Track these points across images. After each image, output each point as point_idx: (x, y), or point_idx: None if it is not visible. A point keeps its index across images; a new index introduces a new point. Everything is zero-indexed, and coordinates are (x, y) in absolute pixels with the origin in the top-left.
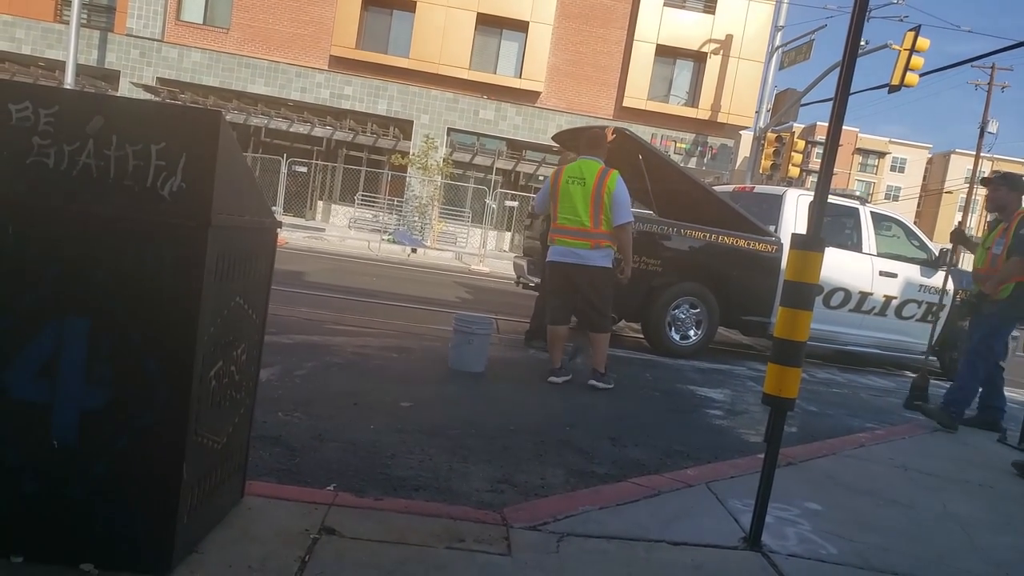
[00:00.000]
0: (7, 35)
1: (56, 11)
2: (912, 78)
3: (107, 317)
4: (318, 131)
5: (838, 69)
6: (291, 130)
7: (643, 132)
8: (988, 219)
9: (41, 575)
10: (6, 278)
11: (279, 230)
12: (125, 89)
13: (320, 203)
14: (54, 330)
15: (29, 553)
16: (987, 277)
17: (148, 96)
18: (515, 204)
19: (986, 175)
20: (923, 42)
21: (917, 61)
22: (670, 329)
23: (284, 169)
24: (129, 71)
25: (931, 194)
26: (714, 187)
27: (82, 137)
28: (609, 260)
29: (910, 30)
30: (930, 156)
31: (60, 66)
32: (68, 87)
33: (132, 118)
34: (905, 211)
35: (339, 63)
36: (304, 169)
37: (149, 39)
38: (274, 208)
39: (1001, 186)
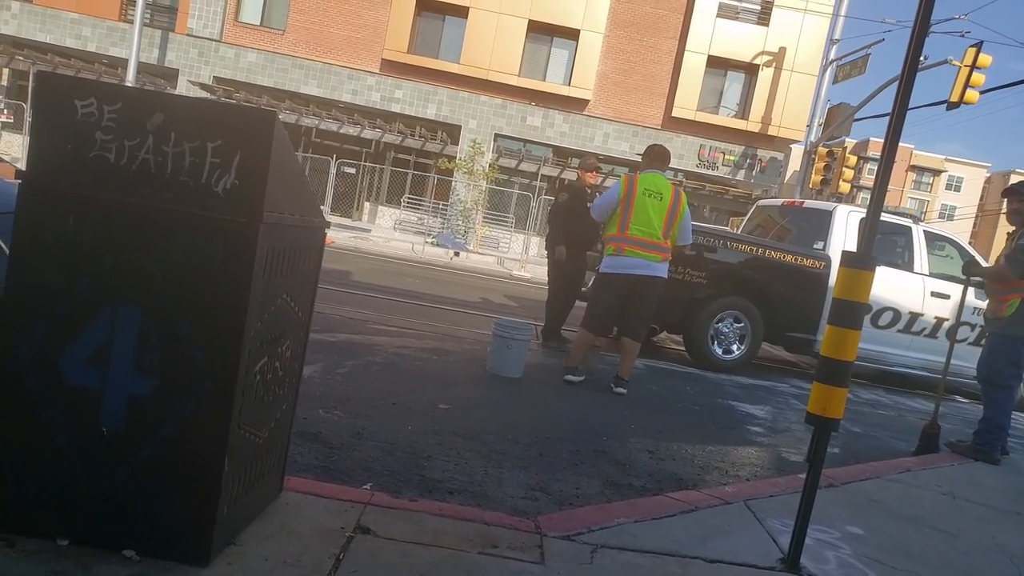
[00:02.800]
0: (74, 32)
1: (121, 11)
2: (972, 95)
3: (158, 307)
4: (367, 133)
5: (895, 84)
6: (341, 131)
7: (691, 143)
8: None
9: (85, 558)
10: (66, 266)
11: (326, 230)
12: (183, 87)
13: (367, 204)
14: (108, 318)
15: (74, 536)
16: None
17: (204, 94)
18: None
19: (1007, 186)
20: (985, 59)
21: (978, 78)
22: (713, 343)
23: (333, 170)
24: (187, 70)
25: (988, 214)
26: (762, 200)
27: (142, 133)
28: (666, 272)
29: (972, 46)
30: (988, 175)
31: (122, 64)
32: (129, 84)
33: (190, 116)
34: (960, 231)
35: (390, 67)
36: (352, 170)
37: (208, 39)
38: (322, 208)
39: None
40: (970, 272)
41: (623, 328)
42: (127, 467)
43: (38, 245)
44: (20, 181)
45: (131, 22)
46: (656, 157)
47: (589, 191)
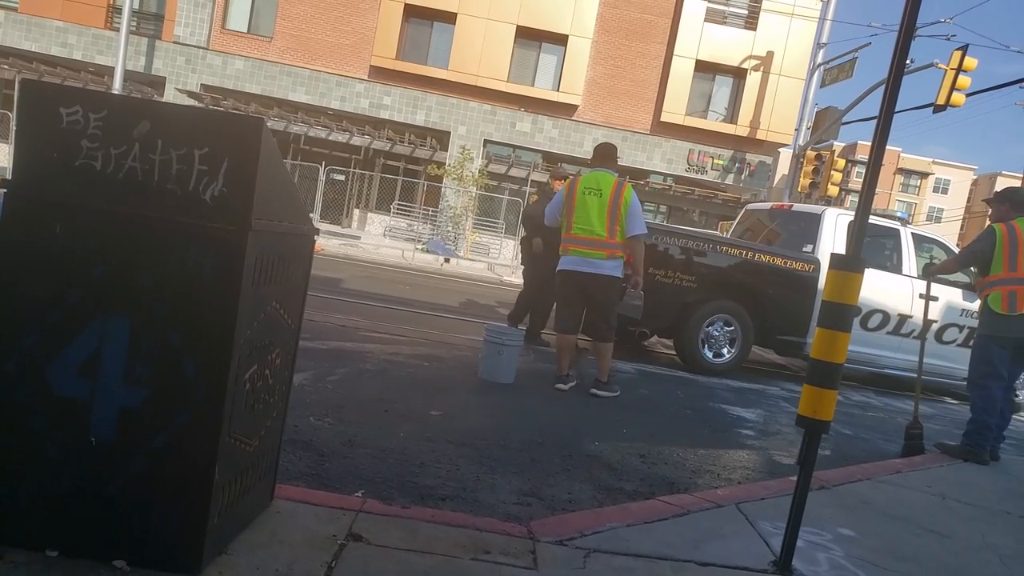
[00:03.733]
0: (60, 40)
1: (107, 18)
2: (958, 98)
3: (147, 317)
4: (356, 140)
5: (882, 88)
6: (330, 138)
7: (680, 147)
8: None
9: (75, 570)
10: (53, 276)
11: (316, 237)
12: (170, 95)
13: (356, 211)
14: (97, 328)
15: (64, 548)
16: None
17: (192, 102)
18: None
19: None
20: (970, 61)
21: (964, 81)
22: (703, 346)
23: (322, 176)
24: (174, 77)
25: (975, 216)
26: (751, 204)
27: (129, 141)
28: (620, 270)
29: (957, 49)
30: (975, 177)
31: (109, 72)
32: (116, 92)
33: (177, 123)
34: (948, 233)
35: (379, 73)
36: (342, 177)
37: (195, 47)
38: (311, 215)
39: (1004, 202)
40: (929, 273)
41: (587, 331)
42: (117, 478)
43: (24, 254)
44: (5, 190)
45: (117, 30)
46: (601, 155)
47: None
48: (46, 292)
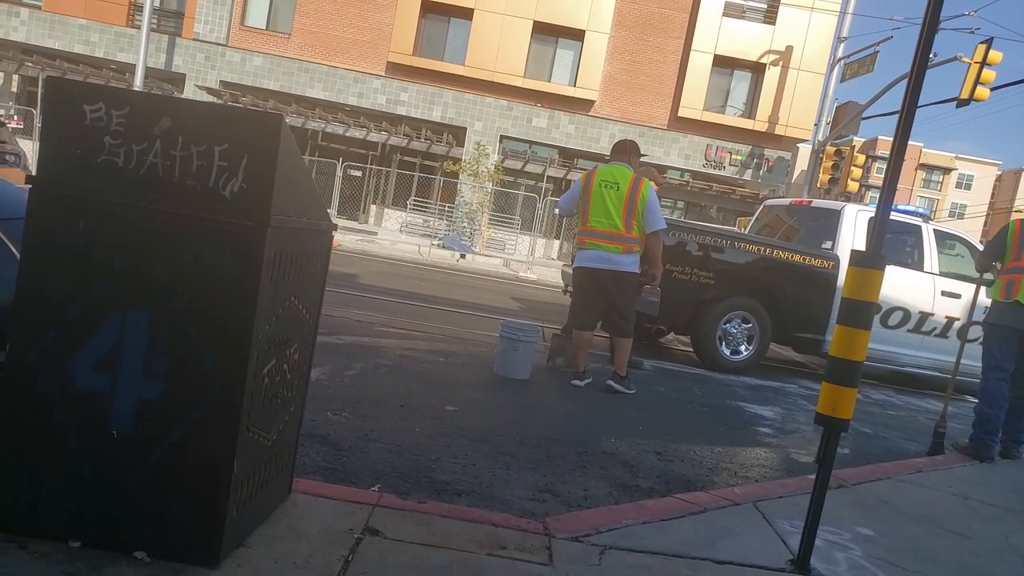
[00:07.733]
0: (82, 38)
1: (128, 16)
2: (982, 92)
3: (167, 311)
4: (373, 136)
5: (904, 82)
6: (347, 134)
7: (698, 143)
8: None
9: (97, 560)
10: (75, 271)
11: (333, 233)
12: (190, 91)
13: (373, 207)
14: (117, 322)
15: (86, 538)
16: None
17: (211, 98)
18: None
19: None
20: (995, 55)
21: (988, 75)
22: (721, 344)
23: (339, 172)
24: (194, 74)
25: (999, 212)
26: (769, 200)
27: (150, 137)
28: (636, 266)
29: (982, 43)
30: (999, 173)
31: (130, 69)
32: (137, 89)
33: (197, 120)
34: (971, 230)
35: (396, 69)
36: (359, 173)
37: (214, 43)
38: (328, 210)
39: None
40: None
41: (606, 326)
42: (137, 470)
43: (48, 250)
44: (31, 186)
45: (138, 27)
46: (619, 150)
47: None
48: (68, 286)
